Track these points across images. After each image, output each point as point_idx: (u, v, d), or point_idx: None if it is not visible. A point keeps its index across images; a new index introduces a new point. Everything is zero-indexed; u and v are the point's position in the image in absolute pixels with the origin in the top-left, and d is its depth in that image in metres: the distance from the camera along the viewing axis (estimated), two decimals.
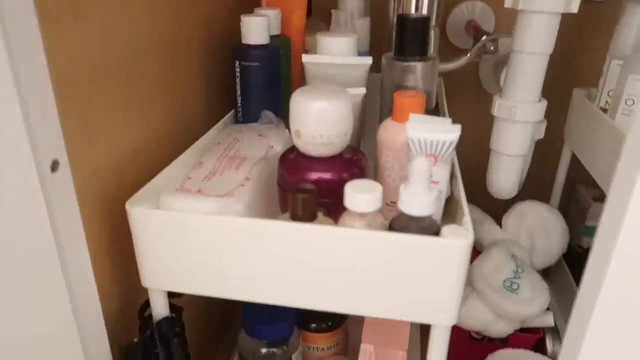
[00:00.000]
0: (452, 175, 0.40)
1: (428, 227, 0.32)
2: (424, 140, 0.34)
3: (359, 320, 0.56)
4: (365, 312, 0.33)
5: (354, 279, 0.32)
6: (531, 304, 0.55)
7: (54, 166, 0.27)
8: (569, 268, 0.69)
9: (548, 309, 0.59)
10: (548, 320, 0.59)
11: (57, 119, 0.27)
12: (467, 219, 0.32)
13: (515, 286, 0.57)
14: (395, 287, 0.32)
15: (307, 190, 0.32)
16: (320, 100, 0.36)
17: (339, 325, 0.55)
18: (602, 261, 0.25)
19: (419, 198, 0.30)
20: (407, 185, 0.31)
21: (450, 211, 0.39)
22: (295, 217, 0.32)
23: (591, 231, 0.76)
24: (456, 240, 0.30)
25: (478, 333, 0.61)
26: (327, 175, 0.38)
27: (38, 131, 0.26)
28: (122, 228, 0.34)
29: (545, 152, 0.69)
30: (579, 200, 0.77)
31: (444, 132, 0.34)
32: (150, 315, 0.37)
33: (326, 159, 0.38)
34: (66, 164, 0.28)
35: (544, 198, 0.69)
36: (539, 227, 0.65)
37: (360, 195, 0.31)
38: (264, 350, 0.50)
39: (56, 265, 0.29)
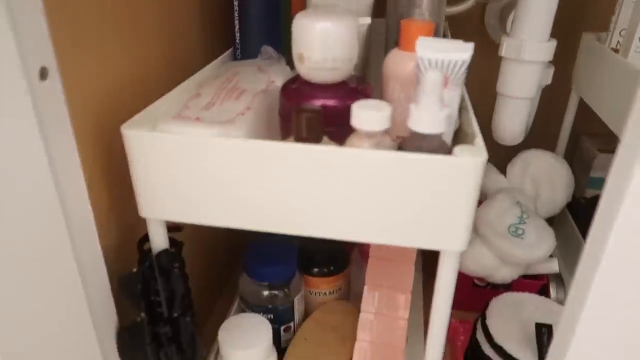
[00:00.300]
0: (462, 108, 0.38)
1: (439, 147, 0.30)
2: (435, 60, 0.32)
3: (362, 265, 0.56)
4: (374, 239, 0.32)
5: (362, 203, 0.31)
6: (537, 248, 0.54)
7: (43, 73, 0.25)
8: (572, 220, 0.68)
9: (552, 256, 0.58)
10: (553, 267, 0.58)
11: (44, 22, 0.25)
12: (479, 140, 0.31)
13: (520, 231, 0.56)
14: (405, 212, 0.30)
15: (312, 110, 0.31)
16: (326, 21, 0.34)
17: (341, 270, 0.55)
18: (615, 203, 0.24)
19: (430, 114, 0.29)
20: (418, 102, 0.30)
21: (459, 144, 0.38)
22: (299, 139, 0.31)
23: (595, 183, 0.75)
24: (470, 158, 0.28)
25: (481, 280, 0.60)
26: (331, 102, 0.36)
27: (23, 33, 0.24)
28: (118, 157, 0.33)
29: (551, 100, 0.67)
30: (584, 151, 0.76)
31: (456, 51, 0.32)
32: (150, 249, 0.36)
33: (330, 86, 0.36)
34: (56, 73, 0.26)
35: (549, 149, 0.68)
36: (544, 176, 0.64)
37: (368, 112, 0.30)
38: (265, 293, 0.50)
39: (50, 185, 0.27)
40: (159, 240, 0.35)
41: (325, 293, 0.55)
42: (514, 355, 0.46)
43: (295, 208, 0.32)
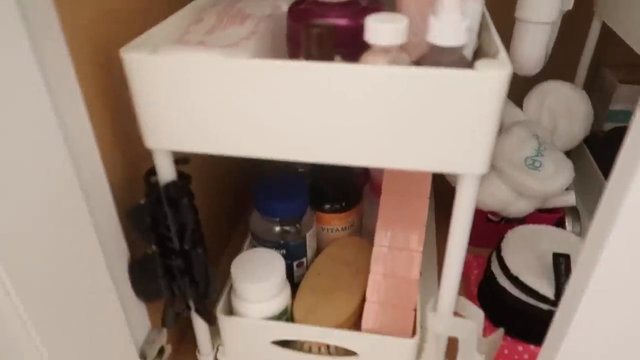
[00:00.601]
0: (481, 27, 0.36)
1: (459, 62, 0.28)
2: None
3: (374, 200, 0.55)
4: (390, 163, 0.30)
5: (378, 125, 0.29)
6: (554, 180, 0.53)
7: None
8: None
9: (568, 189, 0.57)
10: (570, 200, 0.57)
11: None
12: (502, 54, 0.29)
13: (537, 164, 0.55)
14: (424, 133, 0.29)
15: (323, 26, 0.29)
16: None
17: (353, 206, 0.54)
18: None
19: (451, 25, 0.27)
20: (437, 13, 0.27)
21: None
22: (309, 57, 0.29)
23: (615, 116, 0.72)
24: (494, 71, 0.26)
25: (495, 214, 0.59)
26: (342, 22, 0.34)
27: None
28: (119, 87, 0.31)
29: (572, 27, 0.63)
30: (604, 83, 0.73)
31: None
32: (157, 182, 0.35)
33: (340, 5, 0.34)
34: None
35: (568, 80, 0.65)
36: (562, 107, 0.61)
37: (384, 25, 0.27)
38: (276, 229, 0.49)
39: (51, 117, 0.26)
40: (166, 172, 0.34)
41: (337, 229, 0.54)
42: (531, 285, 0.45)
43: (307, 133, 0.30)
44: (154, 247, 0.34)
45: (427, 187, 0.45)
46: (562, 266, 0.45)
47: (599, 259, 0.27)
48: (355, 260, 0.51)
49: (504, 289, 0.47)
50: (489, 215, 0.61)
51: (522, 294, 0.46)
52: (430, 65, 0.28)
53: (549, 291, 0.45)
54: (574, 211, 0.60)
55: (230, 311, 0.45)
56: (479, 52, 0.35)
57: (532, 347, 0.47)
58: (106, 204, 0.32)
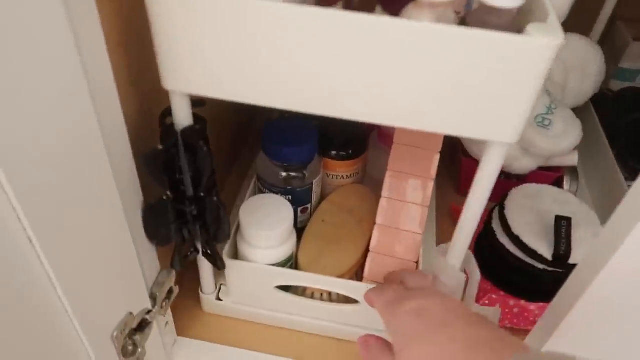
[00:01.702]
0: None
1: (508, 25, 0.27)
2: None
3: (380, 148, 0.54)
4: (424, 125, 0.29)
5: (414, 85, 0.28)
6: (563, 139, 0.53)
7: None
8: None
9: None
10: (573, 159, 0.57)
11: None
12: (553, 18, 0.27)
13: (547, 122, 0.54)
14: (462, 97, 0.27)
15: None
16: None
17: (360, 154, 0.54)
18: None
19: None
20: None
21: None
22: (348, 7, 0.27)
23: (623, 74, 0.71)
24: (546, 39, 0.25)
25: None
26: None
27: None
28: (139, 20, 0.29)
29: None
30: (616, 38, 0.71)
31: None
32: (172, 124, 0.33)
33: None
34: None
35: (583, 33, 0.63)
36: (576, 63, 0.60)
37: None
38: (283, 174, 0.48)
39: (72, 47, 0.24)
40: (183, 115, 0.32)
41: (342, 176, 0.54)
42: (531, 245, 0.46)
43: (336, 87, 0.29)
44: (168, 193, 0.33)
45: (439, 142, 0.44)
46: (563, 229, 0.46)
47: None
48: (359, 209, 0.51)
49: (502, 246, 0.48)
50: None
51: (521, 252, 0.47)
52: (477, 25, 0.26)
53: (546, 251, 0.46)
54: (573, 171, 0.60)
55: (235, 254, 0.45)
56: (522, 10, 0.34)
57: (522, 302, 0.49)
58: (123, 143, 0.31)
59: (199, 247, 0.39)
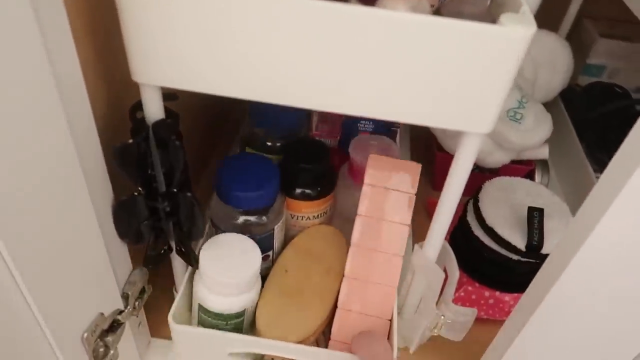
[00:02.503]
0: None
1: (482, 14, 0.27)
2: None
3: (350, 184, 0.49)
4: (397, 116, 0.29)
5: (388, 75, 0.27)
6: (534, 133, 0.54)
7: None
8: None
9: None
10: (543, 153, 0.58)
11: None
12: (525, 8, 0.27)
13: (518, 116, 0.55)
14: (435, 87, 0.27)
15: None
16: None
17: (328, 192, 0.48)
18: None
19: None
20: None
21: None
22: None
23: (590, 70, 0.73)
24: (520, 28, 0.25)
25: None
26: None
27: None
28: (106, 8, 0.28)
29: None
30: (583, 35, 0.73)
31: None
32: (144, 118, 0.32)
33: None
34: None
35: (550, 30, 0.65)
36: (545, 58, 0.61)
37: None
38: (240, 219, 0.42)
39: (38, 44, 0.23)
40: (154, 109, 0.32)
41: (309, 217, 0.47)
42: (504, 237, 0.47)
43: (309, 77, 0.28)
44: (139, 189, 0.32)
45: (414, 183, 0.41)
46: (535, 220, 0.46)
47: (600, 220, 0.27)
48: (327, 255, 0.45)
49: (477, 238, 0.49)
50: None
51: (495, 244, 0.48)
52: (451, 15, 0.26)
53: (520, 243, 0.46)
54: (544, 164, 0.62)
55: (183, 316, 0.41)
56: (493, 2, 0.34)
57: (497, 293, 0.49)
58: (91, 138, 0.30)
59: (173, 245, 0.38)
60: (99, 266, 0.32)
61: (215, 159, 0.62)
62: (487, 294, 0.50)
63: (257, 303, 0.41)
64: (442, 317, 0.40)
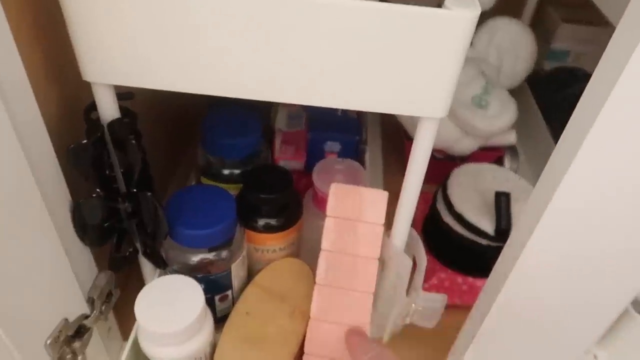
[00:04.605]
0: None
1: (428, 0, 0.27)
2: None
3: (316, 212, 0.46)
4: (348, 104, 0.29)
5: (337, 63, 0.27)
6: (499, 119, 0.54)
7: None
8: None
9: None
10: (511, 138, 0.59)
11: None
12: None
13: (484, 102, 0.56)
14: (385, 73, 0.28)
15: None
16: None
17: (293, 223, 0.44)
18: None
19: None
20: None
21: None
22: None
23: (555, 55, 0.74)
24: (465, 11, 0.25)
25: (440, 152, 0.61)
26: None
27: None
28: (51, 6, 0.27)
29: None
30: (546, 21, 0.74)
31: None
32: (99, 119, 0.32)
33: None
34: None
35: (513, 16, 0.65)
36: (509, 45, 0.62)
37: None
38: (194, 259, 0.39)
39: None
40: (108, 109, 0.31)
41: (274, 250, 0.44)
42: (473, 222, 0.47)
43: (262, 68, 0.28)
44: (97, 190, 0.32)
45: (382, 214, 0.37)
46: (503, 204, 0.47)
47: (551, 197, 0.28)
48: (292, 293, 0.42)
49: (447, 225, 0.49)
50: (434, 153, 0.62)
51: (464, 230, 0.48)
52: (398, 1, 0.26)
53: (489, 227, 0.47)
54: (512, 149, 0.62)
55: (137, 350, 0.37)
56: None
57: (470, 279, 0.50)
58: (42, 141, 0.29)
59: (139, 246, 0.38)
60: (59, 270, 0.31)
61: (186, 162, 0.61)
62: (460, 280, 0.50)
63: (213, 351, 0.38)
64: (413, 305, 0.41)
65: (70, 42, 0.28)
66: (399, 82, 0.28)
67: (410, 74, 0.27)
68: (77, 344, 0.34)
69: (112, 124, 0.31)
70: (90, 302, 0.35)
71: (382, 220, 0.37)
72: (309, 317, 0.37)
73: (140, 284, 0.43)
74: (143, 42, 0.28)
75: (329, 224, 0.37)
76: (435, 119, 0.30)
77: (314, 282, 0.37)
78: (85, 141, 0.30)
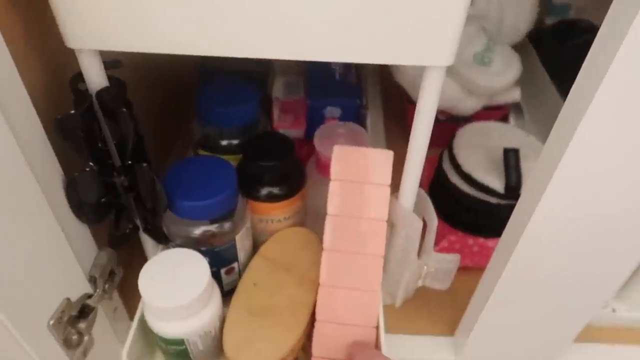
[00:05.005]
0: None
1: None
2: None
3: (320, 179, 0.44)
4: (352, 57, 0.28)
5: (339, 13, 0.26)
6: (503, 75, 0.53)
7: None
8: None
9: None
10: (515, 95, 0.57)
11: None
12: None
13: (486, 59, 0.54)
14: (390, 21, 0.26)
15: None
16: None
17: (297, 191, 0.43)
18: None
19: None
20: None
21: None
22: None
23: (556, 10, 0.72)
24: None
25: (444, 113, 0.59)
26: None
27: None
28: None
29: None
30: None
31: None
32: (87, 90, 0.30)
33: None
34: None
35: None
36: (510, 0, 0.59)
37: None
38: (197, 232, 0.38)
39: None
40: (95, 77, 0.30)
41: (279, 219, 0.43)
42: (482, 181, 0.46)
43: (256, 22, 0.26)
44: (91, 164, 0.31)
45: (387, 175, 0.36)
46: (512, 160, 0.45)
47: (564, 152, 0.26)
48: (299, 262, 0.41)
49: (455, 186, 0.48)
50: (438, 115, 0.60)
51: (473, 189, 0.47)
52: None
53: (498, 185, 0.46)
54: (517, 107, 0.61)
55: (139, 351, 0.37)
56: None
57: (481, 239, 0.49)
58: (27, 114, 0.28)
59: (139, 223, 0.37)
60: (57, 249, 0.30)
61: (185, 134, 0.59)
62: (470, 241, 0.49)
63: (222, 325, 0.37)
64: (425, 267, 0.39)
65: (50, 5, 0.26)
66: (402, 28, 0.26)
67: (414, 18, 0.26)
68: (82, 325, 0.33)
69: (100, 93, 0.29)
70: (93, 281, 0.34)
71: (389, 180, 0.36)
72: (319, 285, 0.36)
73: (144, 262, 0.42)
74: (125, 4, 0.26)
75: (333, 188, 0.36)
76: (442, 68, 0.28)
77: (322, 250, 0.36)
78: (73, 112, 0.28)
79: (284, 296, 0.39)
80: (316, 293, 0.36)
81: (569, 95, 0.27)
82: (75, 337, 0.33)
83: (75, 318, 0.33)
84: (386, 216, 0.36)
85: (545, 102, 0.63)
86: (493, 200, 0.46)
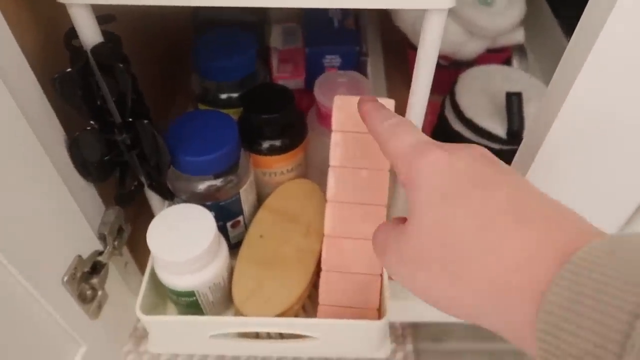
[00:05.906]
0: None
1: None
2: None
3: (321, 130, 0.43)
4: (350, 1, 0.27)
5: None
6: (506, 16, 0.51)
7: None
8: None
9: None
10: (519, 36, 0.56)
11: None
12: None
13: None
14: None
15: None
16: None
17: (298, 143, 0.42)
18: None
19: None
20: None
21: None
22: None
23: None
24: None
25: (446, 58, 0.58)
26: None
27: None
28: None
29: None
30: None
31: None
32: (81, 46, 0.30)
33: None
34: None
35: None
36: None
37: None
38: (200, 187, 0.38)
39: None
40: (89, 33, 0.29)
41: (282, 172, 0.43)
42: (484, 127, 0.46)
43: None
44: (92, 122, 0.30)
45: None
46: (514, 104, 0.45)
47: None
48: (305, 212, 0.42)
49: (457, 133, 0.48)
50: (440, 60, 0.59)
51: (475, 135, 0.47)
52: None
53: (501, 130, 0.45)
54: (521, 49, 0.59)
55: (152, 305, 0.38)
56: None
57: None
58: (24, 73, 0.27)
59: (143, 180, 0.37)
60: (65, 209, 0.30)
61: (185, 90, 0.59)
62: None
63: (231, 276, 0.38)
64: None
65: None
66: None
67: None
68: (95, 280, 0.34)
69: (95, 48, 0.29)
70: (102, 238, 0.35)
71: None
72: (324, 235, 0.37)
73: (151, 218, 0.43)
74: None
75: (335, 138, 0.36)
76: (443, 11, 0.28)
77: (325, 201, 0.36)
78: (69, 70, 0.28)
79: (290, 247, 0.40)
80: (322, 243, 0.37)
81: (573, 35, 0.26)
82: (89, 292, 0.34)
83: (88, 274, 0.34)
84: (389, 165, 0.36)
85: (549, 42, 0.61)
86: (495, 146, 0.46)
